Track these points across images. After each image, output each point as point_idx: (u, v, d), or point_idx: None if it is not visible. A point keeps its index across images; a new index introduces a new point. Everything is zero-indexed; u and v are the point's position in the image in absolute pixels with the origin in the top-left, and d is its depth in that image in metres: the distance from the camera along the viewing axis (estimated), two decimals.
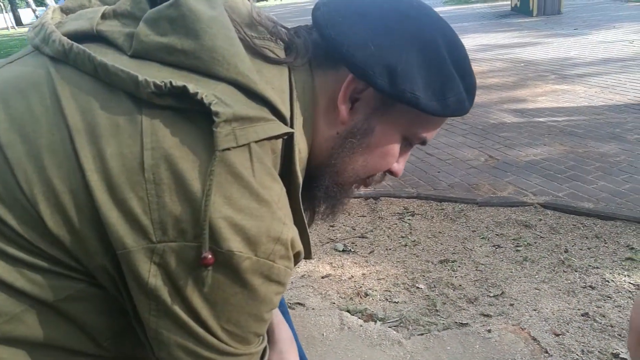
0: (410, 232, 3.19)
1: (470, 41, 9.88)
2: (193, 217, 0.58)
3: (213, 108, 0.59)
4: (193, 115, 0.61)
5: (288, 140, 0.69)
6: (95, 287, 0.64)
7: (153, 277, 0.59)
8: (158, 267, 0.59)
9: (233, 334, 0.64)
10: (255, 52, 0.70)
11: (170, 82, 0.60)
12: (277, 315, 0.96)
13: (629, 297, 2.44)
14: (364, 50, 0.70)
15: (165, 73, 0.63)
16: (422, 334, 2.04)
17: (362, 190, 3.79)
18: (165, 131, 0.60)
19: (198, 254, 0.58)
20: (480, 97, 5.88)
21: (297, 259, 0.68)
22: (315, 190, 0.79)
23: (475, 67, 7.53)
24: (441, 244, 3.04)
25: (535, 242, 2.98)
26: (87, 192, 0.59)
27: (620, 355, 2.01)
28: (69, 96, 0.63)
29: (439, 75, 0.72)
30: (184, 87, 0.59)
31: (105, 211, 0.58)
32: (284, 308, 1.10)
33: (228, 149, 0.59)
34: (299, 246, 0.67)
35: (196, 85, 0.61)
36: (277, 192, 0.64)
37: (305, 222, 0.73)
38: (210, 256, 0.58)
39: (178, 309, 0.61)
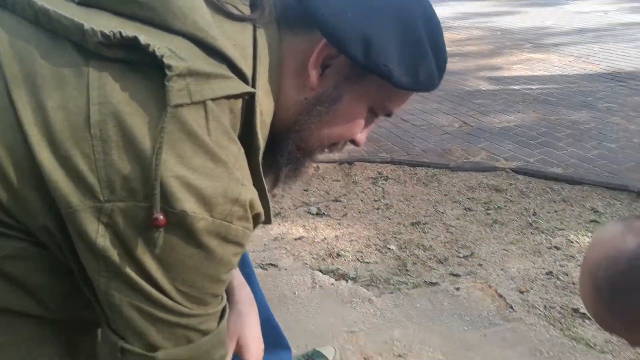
0: (383, 196, 3.21)
1: (449, 9, 9.81)
2: (143, 175, 0.55)
3: (165, 61, 0.55)
4: (145, 69, 0.57)
5: (249, 101, 0.66)
6: (38, 246, 0.61)
7: (101, 237, 0.57)
8: (106, 227, 0.56)
9: (189, 295, 0.62)
10: (216, 8, 0.66)
11: (120, 33, 0.55)
12: (237, 277, 0.94)
13: None
14: (340, 18, 0.67)
15: (116, 23, 0.58)
16: (392, 292, 2.08)
17: (337, 156, 3.79)
18: (114, 85, 0.56)
19: (149, 215, 0.56)
20: (456, 65, 5.89)
21: (256, 220, 0.65)
22: (277, 155, 0.75)
23: (453, 35, 7.53)
24: (413, 207, 3.08)
25: (505, 206, 3.04)
26: (27, 148, 0.55)
27: (580, 310, 2.08)
28: (5, 43, 0.58)
29: (413, 51, 0.70)
30: (135, 37, 0.56)
31: (48, 168, 0.55)
32: (249, 269, 1.09)
33: (181, 105, 0.56)
34: (259, 208, 0.64)
35: (149, 37, 0.57)
36: (234, 152, 0.61)
37: (266, 186, 0.70)
38: (161, 217, 0.55)
39: (129, 271, 0.58)
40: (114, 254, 0.58)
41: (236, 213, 0.60)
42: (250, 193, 0.62)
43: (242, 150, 0.64)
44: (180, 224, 0.57)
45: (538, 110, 4.39)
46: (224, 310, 0.70)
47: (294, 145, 0.75)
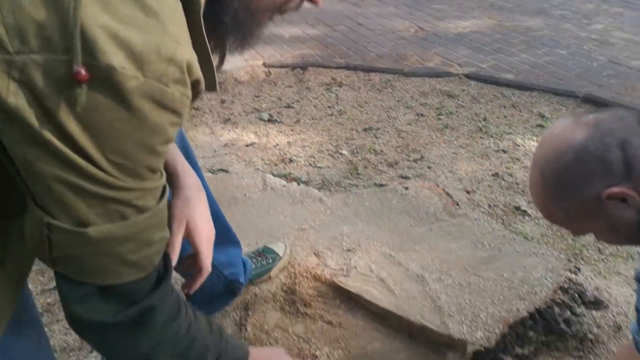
0: (337, 102, 3.16)
1: None
2: (61, 23, 0.49)
3: None
4: None
5: None
6: None
7: (13, 95, 0.50)
8: (19, 84, 0.50)
9: (122, 167, 0.56)
10: None
11: None
12: (182, 162, 0.89)
13: None
14: None
15: None
16: (342, 193, 2.09)
17: (290, 61, 3.65)
18: None
19: (70, 70, 0.49)
20: None
21: (195, 88, 0.59)
22: (221, 15, 0.67)
23: None
24: (366, 113, 3.05)
25: (456, 111, 3.06)
26: None
27: (521, 208, 2.18)
28: None
29: None
30: None
31: None
32: (189, 156, 1.03)
33: None
34: (198, 73, 0.58)
35: None
36: (169, 4, 0.55)
37: (209, 49, 0.63)
38: (83, 71, 0.49)
39: (50, 135, 0.52)
40: (30, 116, 0.51)
41: (172, 74, 0.54)
42: (187, 54, 0.56)
43: (180, 5, 0.57)
44: (107, 81, 0.51)
45: (494, 16, 4.33)
46: (164, 190, 0.66)
47: (240, 3, 0.67)
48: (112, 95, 0.52)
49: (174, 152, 0.88)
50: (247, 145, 2.70)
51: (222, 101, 3.17)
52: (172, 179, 0.86)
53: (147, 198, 0.62)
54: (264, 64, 3.57)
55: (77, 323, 0.69)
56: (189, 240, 0.86)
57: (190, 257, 0.91)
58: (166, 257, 0.72)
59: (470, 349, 1.23)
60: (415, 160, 2.58)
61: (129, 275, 0.65)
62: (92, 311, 0.66)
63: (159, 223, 0.66)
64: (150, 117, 0.55)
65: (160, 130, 0.57)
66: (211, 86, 0.64)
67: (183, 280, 0.99)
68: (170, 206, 0.82)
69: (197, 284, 0.91)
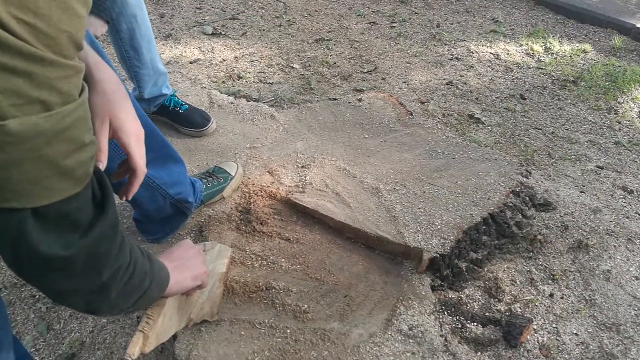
0: (285, 12, 2.97)
1: None
2: None
3: None
4: None
5: None
6: None
7: None
8: None
9: (35, 29, 0.47)
10: None
11: None
12: (93, 56, 0.77)
13: (489, 66, 2.59)
14: None
15: None
16: (294, 108, 2.02)
17: None
18: None
19: None
20: None
21: None
22: None
23: None
24: (317, 22, 2.89)
25: (409, 18, 2.95)
26: None
27: (475, 116, 2.18)
28: None
29: None
30: None
31: None
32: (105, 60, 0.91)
33: None
34: None
35: None
36: None
37: None
38: None
39: None
40: None
41: None
42: None
43: None
44: None
45: None
46: (83, 86, 0.57)
47: None
48: None
49: (84, 45, 0.76)
50: (191, 62, 2.53)
51: (162, 15, 2.93)
52: (85, 73, 0.74)
53: (70, 82, 0.53)
54: None
55: (26, 263, 0.60)
56: (116, 141, 0.78)
57: (123, 163, 0.83)
58: (99, 175, 0.64)
59: (426, 256, 1.25)
60: (369, 72, 2.50)
61: (64, 189, 0.56)
62: (36, 245, 0.57)
63: (85, 119, 0.57)
64: None
65: None
66: None
67: None
68: (88, 103, 0.73)
69: (135, 188, 0.83)
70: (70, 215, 0.59)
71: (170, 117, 1.74)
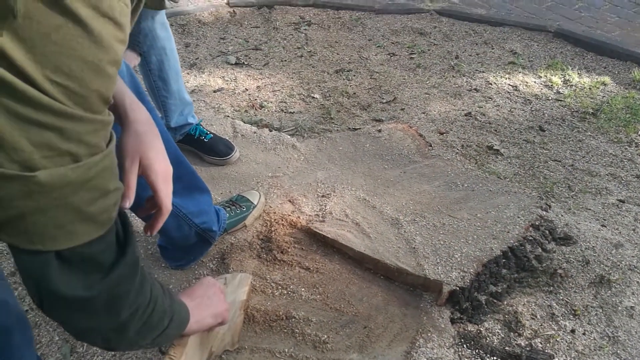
0: (307, 43, 3.05)
1: None
2: None
3: None
4: None
5: None
6: None
7: None
8: None
9: (67, 89, 0.51)
10: None
11: None
12: (129, 96, 0.82)
13: (507, 98, 2.61)
14: None
15: None
16: (315, 138, 2.06)
17: None
18: None
19: None
20: None
21: None
22: None
23: None
24: (337, 53, 2.96)
25: (428, 50, 3.00)
26: None
27: (494, 147, 2.19)
28: None
29: None
30: None
31: None
32: (142, 96, 0.96)
33: None
34: None
35: None
36: None
37: None
38: None
39: None
40: None
41: None
42: None
43: None
44: None
45: None
46: (112, 134, 0.61)
47: None
48: (46, 1, 0.47)
49: (121, 86, 0.81)
50: (214, 91, 2.60)
51: (187, 45, 3.02)
52: (120, 114, 0.80)
53: (97, 134, 0.56)
54: (228, 4, 3.40)
55: (49, 301, 0.63)
56: (145, 179, 0.81)
57: (150, 199, 0.86)
58: (123, 217, 0.68)
59: (445, 289, 1.25)
60: (388, 102, 2.54)
61: (87, 233, 0.59)
62: (58, 286, 0.60)
63: (111, 169, 0.61)
64: (91, 25, 0.50)
65: (105, 43, 0.52)
66: (158, 3, 0.59)
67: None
68: (120, 143, 0.76)
69: (159, 225, 0.85)
70: (92, 257, 0.62)
71: (195, 146, 1.79)
